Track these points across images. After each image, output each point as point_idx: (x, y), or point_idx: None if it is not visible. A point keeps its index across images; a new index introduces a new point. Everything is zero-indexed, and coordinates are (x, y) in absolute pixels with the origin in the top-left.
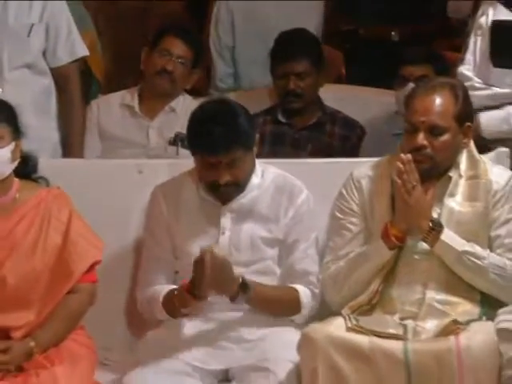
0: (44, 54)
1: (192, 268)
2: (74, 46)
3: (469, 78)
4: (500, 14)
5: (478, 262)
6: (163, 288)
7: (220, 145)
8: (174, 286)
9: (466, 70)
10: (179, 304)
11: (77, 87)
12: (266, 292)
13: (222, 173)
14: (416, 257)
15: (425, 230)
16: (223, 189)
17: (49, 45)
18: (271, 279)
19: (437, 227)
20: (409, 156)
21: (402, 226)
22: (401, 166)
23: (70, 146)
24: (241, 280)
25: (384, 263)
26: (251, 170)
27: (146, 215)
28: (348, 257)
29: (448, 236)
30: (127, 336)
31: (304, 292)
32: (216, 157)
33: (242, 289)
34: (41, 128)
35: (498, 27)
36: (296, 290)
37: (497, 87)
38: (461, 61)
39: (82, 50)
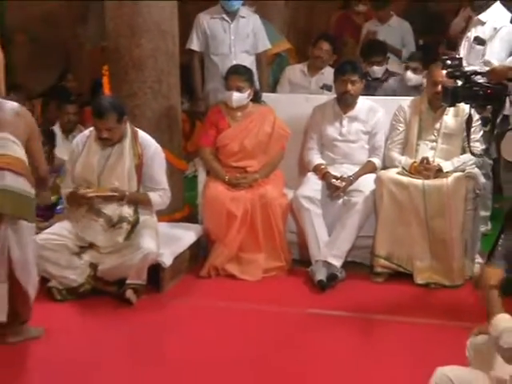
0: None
1: (329, 142)
2: (264, 44)
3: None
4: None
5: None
6: (315, 161)
7: (348, 69)
8: (321, 162)
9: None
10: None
11: (265, 61)
12: (361, 174)
13: (349, 85)
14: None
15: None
16: (346, 96)
17: (253, 43)
18: (364, 151)
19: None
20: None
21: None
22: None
23: (262, 86)
24: (352, 178)
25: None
26: (359, 94)
27: (310, 120)
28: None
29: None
30: (296, 174)
31: (378, 163)
32: (344, 75)
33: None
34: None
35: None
36: (373, 163)
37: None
38: None
39: (268, 45)
